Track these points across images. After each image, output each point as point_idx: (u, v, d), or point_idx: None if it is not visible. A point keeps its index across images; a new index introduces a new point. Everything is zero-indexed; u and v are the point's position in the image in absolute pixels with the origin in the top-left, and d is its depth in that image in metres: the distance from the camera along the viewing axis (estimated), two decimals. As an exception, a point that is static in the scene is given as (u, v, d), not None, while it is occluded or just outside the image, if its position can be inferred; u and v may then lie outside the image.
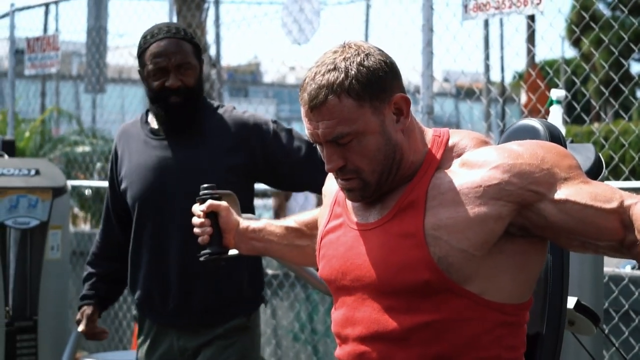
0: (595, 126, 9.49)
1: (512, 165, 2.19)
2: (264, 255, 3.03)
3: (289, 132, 3.63)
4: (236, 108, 3.71)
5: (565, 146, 2.39)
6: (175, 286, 3.57)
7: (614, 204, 2.14)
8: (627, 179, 5.34)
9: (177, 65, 3.49)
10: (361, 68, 2.21)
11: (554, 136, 2.43)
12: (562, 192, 2.16)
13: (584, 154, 2.72)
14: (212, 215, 2.82)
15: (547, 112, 4.04)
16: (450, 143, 2.31)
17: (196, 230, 2.82)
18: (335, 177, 2.32)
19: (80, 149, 11.75)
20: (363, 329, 2.27)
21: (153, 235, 3.59)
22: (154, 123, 3.65)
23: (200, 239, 2.82)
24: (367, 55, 2.24)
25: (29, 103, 11.14)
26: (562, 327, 2.43)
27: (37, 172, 5.43)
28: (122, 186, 3.67)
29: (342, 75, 2.21)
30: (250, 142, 3.57)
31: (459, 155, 2.28)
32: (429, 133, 2.35)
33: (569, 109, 6.12)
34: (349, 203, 2.40)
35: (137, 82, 23.57)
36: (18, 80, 9.58)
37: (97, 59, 9.43)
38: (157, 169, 3.56)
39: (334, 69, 2.22)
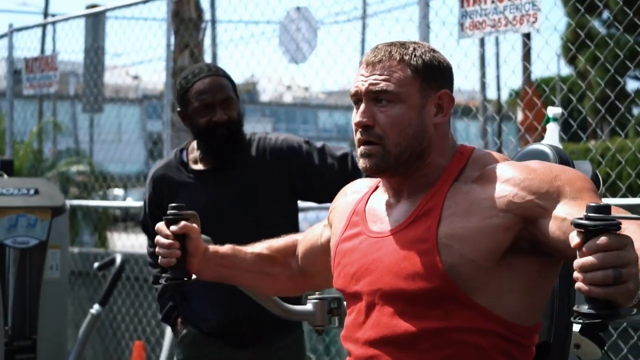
0: (592, 143, 9.51)
1: (524, 179, 2.22)
2: (227, 282, 2.85)
3: (322, 150, 3.78)
4: (269, 133, 3.89)
5: (573, 167, 2.41)
6: (244, 311, 3.66)
7: None
8: (624, 195, 5.35)
9: (221, 100, 3.67)
10: (427, 53, 2.37)
11: (563, 159, 2.46)
12: (565, 211, 2.15)
13: (582, 171, 2.74)
14: (180, 237, 2.63)
15: (544, 130, 4.05)
16: (472, 157, 2.36)
17: (161, 251, 2.63)
18: (358, 142, 2.37)
19: (75, 168, 11.75)
20: (372, 332, 2.30)
21: None
22: (195, 165, 3.80)
23: (164, 261, 2.63)
24: (434, 50, 2.40)
25: (27, 123, 11.14)
26: (567, 350, 2.45)
27: (36, 192, 5.45)
28: None
29: (410, 49, 2.36)
30: (288, 166, 3.74)
31: (479, 170, 2.32)
32: (456, 146, 2.41)
33: (565, 127, 6.14)
34: (368, 212, 2.44)
35: (134, 102, 23.61)
36: (16, 100, 9.60)
37: (94, 79, 9.43)
38: (207, 209, 3.56)
39: (403, 45, 2.38)
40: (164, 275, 2.65)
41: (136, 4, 7.96)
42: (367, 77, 2.35)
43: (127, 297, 8.13)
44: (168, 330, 5.17)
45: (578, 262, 1.82)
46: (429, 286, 2.21)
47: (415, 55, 2.34)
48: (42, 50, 11.64)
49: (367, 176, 2.54)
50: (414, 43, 2.39)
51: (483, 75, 14.43)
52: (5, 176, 5.73)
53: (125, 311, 8.22)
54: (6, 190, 5.38)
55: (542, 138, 4.11)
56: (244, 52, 31.25)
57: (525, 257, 2.23)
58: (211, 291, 3.69)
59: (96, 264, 6.04)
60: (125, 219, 18.61)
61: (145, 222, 3.97)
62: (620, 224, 1.81)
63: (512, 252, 2.22)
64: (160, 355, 5.29)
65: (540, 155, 2.47)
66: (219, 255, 2.74)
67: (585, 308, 1.82)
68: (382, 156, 2.32)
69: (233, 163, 3.74)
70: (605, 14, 22.25)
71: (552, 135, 3.96)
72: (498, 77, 18.02)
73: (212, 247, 2.74)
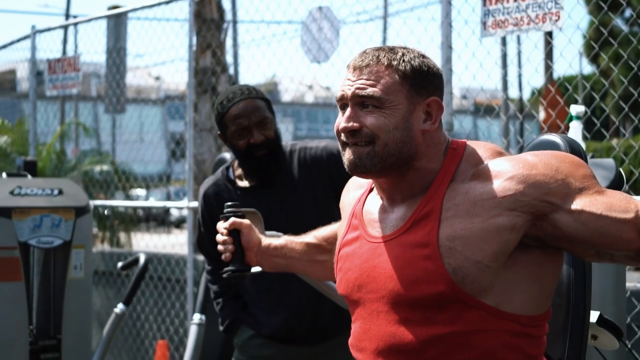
0: (615, 142, 9.48)
1: (527, 176, 2.20)
2: (286, 271, 3.06)
3: None
4: (309, 141, 4.02)
5: (586, 160, 2.40)
6: (303, 314, 3.83)
7: (629, 215, 2.14)
8: (647, 193, 5.33)
9: (257, 122, 3.79)
10: (416, 58, 2.34)
11: (575, 150, 2.44)
12: (577, 203, 2.17)
13: (605, 169, 2.73)
14: (234, 232, 2.89)
15: (567, 128, 4.04)
16: (465, 154, 2.33)
17: (219, 247, 2.90)
18: (343, 145, 2.35)
19: (98, 168, 11.80)
20: (379, 342, 2.29)
21: (273, 279, 3.73)
22: (241, 182, 3.93)
23: (223, 256, 2.90)
24: (424, 55, 2.37)
25: (49, 124, 11.19)
26: (585, 341, 2.44)
27: (60, 192, 5.47)
28: None
29: (399, 54, 2.34)
30: (329, 174, 3.86)
31: (474, 166, 2.30)
32: (448, 143, 2.38)
33: (588, 125, 6.13)
34: (365, 216, 2.43)
35: (157, 103, 23.66)
36: (39, 101, 9.65)
37: (117, 80, 9.47)
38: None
39: (392, 50, 2.35)
40: (225, 269, 2.89)
41: (158, 4, 7.98)
42: (353, 81, 2.33)
43: (150, 297, 8.17)
44: (192, 330, 5.18)
45: None
46: (433, 291, 2.20)
47: (403, 61, 2.32)
48: (64, 51, 11.70)
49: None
50: (403, 48, 2.37)
51: (505, 74, 14.39)
52: (29, 176, 5.76)
53: (149, 310, 8.25)
54: (30, 191, 5.41)
55: (565, 136, 4.10)
56: (265, 52, 31.26)
57: (530, 251, 2.23)
58: (262, 298, 3.88)
59: (120, 264, 6.06)
60: (147, 219, 18.65)
61: (201, 241, 4.08)
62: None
63: (517, 248, 2.21)
64: (184, 354, 5.30)
65: (552, 146, 2.46)
66: (272, 247, 2.94)
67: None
68: (368, 156, 2.30)
69: (276, 181, 3.86)
70: (628, 12, 22.16)
71: (576, 133, 3.95)
72: (520, 75, 17.93)
73: (266, 240, 2.95)
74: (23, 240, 5.27)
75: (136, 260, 6.00)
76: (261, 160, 3.81)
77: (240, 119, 3.78)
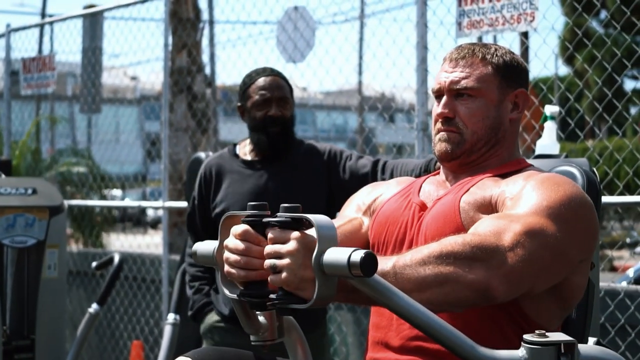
0: (590, 143, 9.52)
1: (517, 180, 2.41)
2: None
3: (359, 155, 4.09)
4: (318, 142, 4.25)
5: (598, 189, 2.56)
6: None
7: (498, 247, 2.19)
8: (621, 194, 5.36)
9: (278, 98, 4.04)
10: (507, 54, 2.57)
11: (591, 184, 2.57)
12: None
13: (579, 168, 2.75)
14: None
15: (541, 128, 4.05)
16: (525, 169, 2.49)
17: (257, 262, 2.09)
18: (437, 130, 2.54)
19: (75, 169, 11.74)
20: None
21: None
22: (245, 156, 4.12)
23: (258, 274, 2.10)
24: (513, 52, 2.60)
25: (24, 124, 11.13)
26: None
27: (34, 192, 5.44)
28: (218, 210, 4.04)
29: (492, 49, 2.56)
30: (327, 169, 4.06)
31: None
32: (519, 156, 2.60)
33: (563, 126, 6.14)
34: (421, 191, 2.58)
35: (132, 103, 23.59)
36: (14, 101, 9.59)
37: (92, 79, 9.43)
38: (253, 194, 3.95)
39: (485, 45, 2.59)
40: (244, 292, 2.14)
41: (134, 4, 7.95)
42: (449, 73, 2.53)
43: (125, 297, 8.14)
44: (167, 329, 5.17)
45: None
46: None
47: (496, 55, 2.54)
48: (40, 50, 11.62)
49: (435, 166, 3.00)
50: (495, 45, 2.58)
51: (481, 75, 14.44)
52: (3, 176, 5.73)
53: (123, 311, 8.22)
54: (4, 190, 5.38)
55: (539, 137, 4.10)
56: (241, 52, 31.26)
57: None
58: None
59: (94, 264, 6.03)
60: (123, 220, 18.58)
61: (192, 216, 4.18)
62: (291, 221, 2.00)
63: None
64: (158, 354, 5.28)
65: (568, 177, 2.54)
66: None
67: (274, 294, 2.04)
68: (458, 142, 2.50)
69: (281, 158, 4.05)
70: (603, 14, 22.28)
71: (550, 133, 3.96)
72: (496, 76, 17.98)
73: None
74: (-4, 240, 5.24)
75: (111, 260, 5.98)
76: (273, 135, 4.01)
77: (265, 90, 4.02)
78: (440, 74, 2.56)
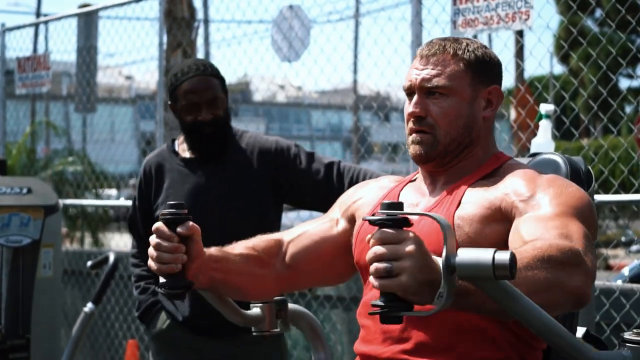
0: (585, 141, 9.53)
1: (517, 182, 2.33)
2: (217, 288, 2.57)
3: (310, 155, 3.89)
4: (261, 133, 4.03)
5: (585, 180, 2.52)
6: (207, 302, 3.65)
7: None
8: (616, 192, 5.37)
9: (207, 100, 3.79)
10: (480, 49, 2.47)
11: (574, 170, 2.54)
12: (524, 221, 2.23)
13: (574, 167, 2.75)
14: (183, 240, 2.35)
15: (537, 127, 4.06)
16: (505, 165, 2.45)
17: (165, 256, 2.33)
18: (410, 130, 2.45)
19: (71, 169, 11.74)
20: None
21: None
22: (184, 153, 3.94)
23: (166, 267, 2.34)
24: (485, 46, 2.51)
25: (19, 123, 11.12)
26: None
27: (29, 191, 5.44)
28: (159, 211, 3.80)
29: (464, 44, 2.46)
30: (274, 165, 3.84)
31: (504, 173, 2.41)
32: (495, 150, 2.52)
33: (558, 125, 6.15)
34: (400, 198, 2.50)
35: (127, 102, 23.57)
36: (8, 100, 9.58)
37: (87, 78, 9.42)
38: (192, 195, 3.79)
39: (457, 40, 2.48)
40: (161, 283, 2.34)
41: (129, 3, 7.95)
42: (420, 70, 2.43)
43: (120, 296, 8.13)
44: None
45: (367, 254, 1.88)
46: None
47: (468, 51, 2.44)
48: (35, 49, 11.63)
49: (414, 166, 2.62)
50: (467, 39, 2.49)
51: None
52: (-2, 175, 5.72)
53: (118, 310, 8.21)
54: (-1, 189, 5.37)
55: (534, 135, 4.11)
56: (236, 51, 31.31)
57: None
58: None
59: (89, 263, 6.03)
60: (118, 219, 18.57)
61: (134, 218, 4.03)
62: (404, 220, 1.85)
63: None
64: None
65: (551, 165, 2.54)
66: (213, 259, 2.49)
67: (378, 300, 1.86)
68: (432, 144, 2.41)
69: (219, 156, 3.86)
70: (598, 12, 22.30)
71: (545, 132, 3.96)
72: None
73: (207, 250, 2.47)
74: (-9, 239, 5.23)
75: (106, 259, 5.97)
76: (206, 138, 3.82)
77: (191, 94, 3.80)
78: (411, 71, 2.46)
